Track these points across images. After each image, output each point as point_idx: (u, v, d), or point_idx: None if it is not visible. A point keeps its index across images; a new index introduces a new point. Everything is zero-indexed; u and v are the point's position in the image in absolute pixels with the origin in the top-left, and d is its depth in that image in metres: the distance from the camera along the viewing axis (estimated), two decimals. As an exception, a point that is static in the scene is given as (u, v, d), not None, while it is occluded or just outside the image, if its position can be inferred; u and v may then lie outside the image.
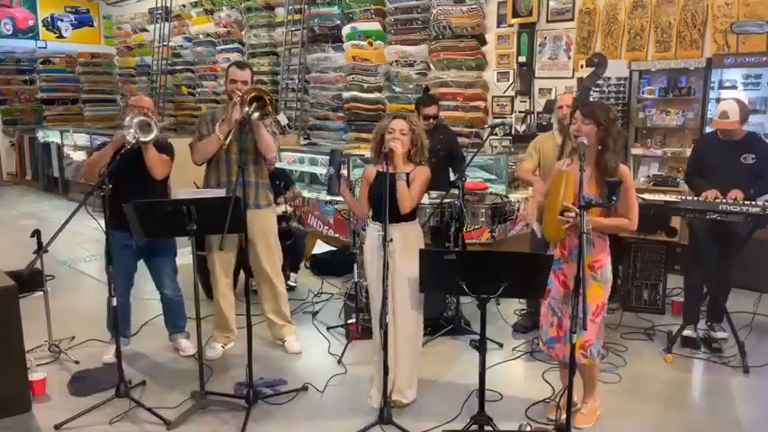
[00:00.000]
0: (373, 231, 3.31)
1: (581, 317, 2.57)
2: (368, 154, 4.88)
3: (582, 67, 6.41)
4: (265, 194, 4.00)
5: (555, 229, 3.00)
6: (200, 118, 4.01)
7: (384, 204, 3.05)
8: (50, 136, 10.88)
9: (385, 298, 3.06)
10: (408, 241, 3.24)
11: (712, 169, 4.16)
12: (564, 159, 3.16)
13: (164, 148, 3.80)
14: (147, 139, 3.56)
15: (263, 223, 3.97)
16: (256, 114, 3.54)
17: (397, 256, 3.20)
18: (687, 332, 4.13)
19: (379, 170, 3.28)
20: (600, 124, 2.90)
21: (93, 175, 3.74)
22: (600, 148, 2.93)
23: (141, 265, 4.00)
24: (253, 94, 3.56)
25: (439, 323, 4.35)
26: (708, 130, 5.38)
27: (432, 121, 4.64)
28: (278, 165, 6.14)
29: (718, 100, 5.46)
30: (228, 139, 3.71)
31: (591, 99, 4.08)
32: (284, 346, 4.14)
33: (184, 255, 4.03)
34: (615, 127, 2.94)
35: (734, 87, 5.44)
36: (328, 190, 3.39)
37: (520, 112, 7.03)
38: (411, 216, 3.32)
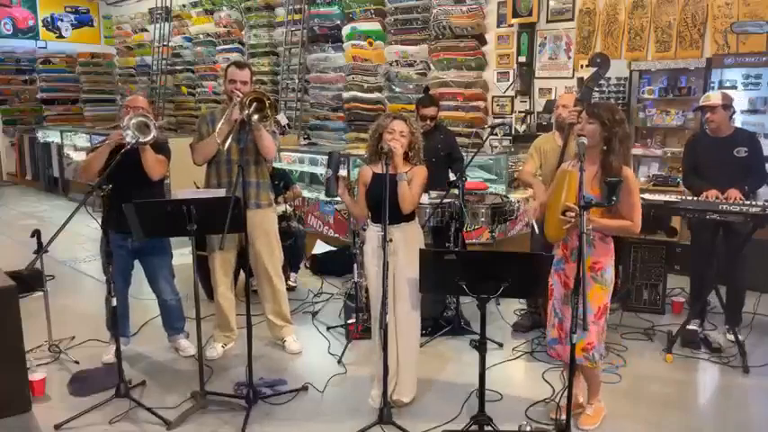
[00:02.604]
0: (373, 233, 3.30)
1: (581, 317, 2.57)
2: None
3: (582, 67, 6.42)
4: (266, 194, 4.01)
5: (556, 229, 3.00)
6: (200, 118, 4.01)
7: (384, 205, 3.04)
8: (50, 136, 10.88)
9: (385, 298, 3.06)
10: (409, 241, 3.24)
11: (706, 167, 4.21)
12: (570, 161, 3.15)
13: (161, 147, 3.79)
14: (145, 140, 3.55)
15: (265, 223, 3.98)
16: (256, 117, 3.54)
17: (399, 256, 3.20)
18: (691, 326, 4.16)
19: (375, 171, 3.28)
20: (604, 124, 2.89)
21: (89, 175, 3.72)
22: (605, 148, 2.92)
23: (140, 265, 4.00)
24: (253, 97, 3.56)
25: (439, 323, 4.35)
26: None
27: (429, 122, 4.64)
28: (278, 165, 6.15)
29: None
30: (228, 142, 3.70)
31: (592, 99, 4.08)
32: (284, 346, 4.14)
33: (184, 255, 4.03)
34: (621, 128, 2.92)
35: (734, 87, 5.43)
36: (326, 192, 3.40)
37: (520, 112, 7.03)
38: (411, 216, 3.32)
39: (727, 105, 4.19)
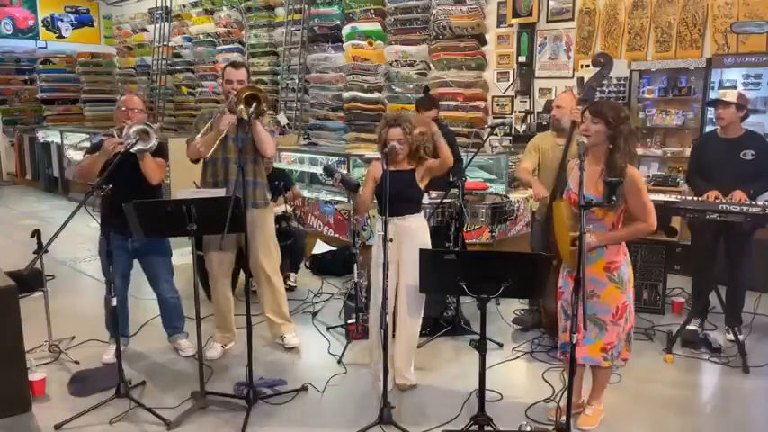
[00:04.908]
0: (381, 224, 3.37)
1: (581, 318, 2.56)
2: (368, 154, 4.86)
3: (582, 67, 6.42)
4: (263, 193, 4.00)
5: (573, 259, 2.97)
6: (199, 117, 3.98)
7: (384, 203, 3.08)
8: (50, 136, 10.88)
9: (385, 298, 3.08)
10: (419, 228, 3.45)
11: (713, 167, 4.19)
12: (575, 160, 3.14)
13: (159, 150, 3.77)
14: (146, 147, 3.56)
15: (261, 222, 3.97)
16: (250, 111, 3.53)
17: (405, 245, 3.34)
18: (691, 326, 4.16)
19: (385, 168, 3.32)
20: (609, 123, 2.88)
21: (87, 178, 3.73)
22: (610, 147, 2.91)
23: (139, 265, 4.00)
24: (246, 93, 3.55)
25: (439, 323, 4.35)
26: (708, 129, 5.39)
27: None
28: (278, 165, 6.15)
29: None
30: (213, 150, 3.66)
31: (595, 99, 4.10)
32: (283, 342, 4.14)
33: (184, 255, 4.03)
34: (626, 126, 2.91)
35: (734, 87, 5.43)
36: (351, 188, 3.49)
37: (520, 112, 7.03)
38: (417, 209, 3.48)
39: (741, 106, 4.15)
